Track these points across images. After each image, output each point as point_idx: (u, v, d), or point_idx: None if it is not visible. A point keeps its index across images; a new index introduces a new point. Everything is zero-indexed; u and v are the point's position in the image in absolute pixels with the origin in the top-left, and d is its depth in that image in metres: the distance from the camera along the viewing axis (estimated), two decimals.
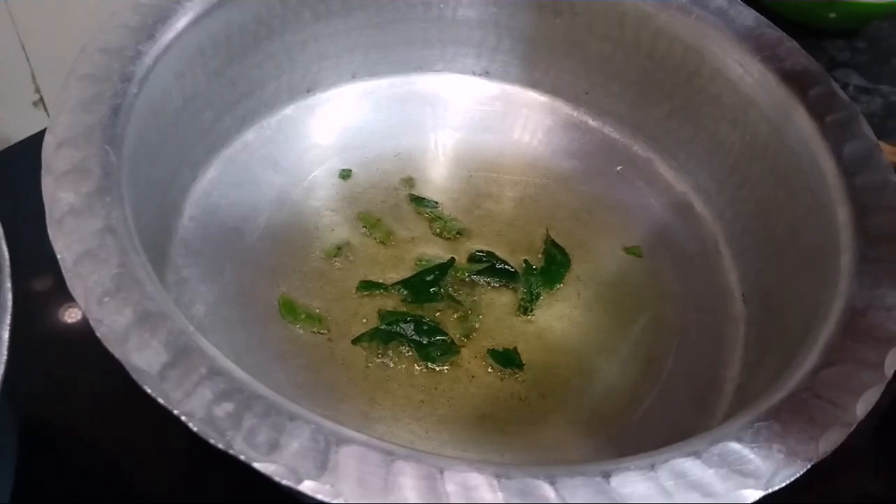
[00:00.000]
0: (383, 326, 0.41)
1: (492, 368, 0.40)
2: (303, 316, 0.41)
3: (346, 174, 0.47)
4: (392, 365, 0.40)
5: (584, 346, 0.42)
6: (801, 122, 0.40)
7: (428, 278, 0.43)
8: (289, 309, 0.41)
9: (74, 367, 0.42)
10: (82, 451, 0.41)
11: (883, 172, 0.37)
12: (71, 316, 0.44)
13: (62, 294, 0.44)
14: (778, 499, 0.40)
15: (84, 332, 0.43)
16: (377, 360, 0.40)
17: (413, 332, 0.40)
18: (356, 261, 0.44)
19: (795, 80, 0.41)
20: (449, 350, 0.40)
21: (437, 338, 0.40)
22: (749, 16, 0.44)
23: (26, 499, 0.36)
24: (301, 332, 0.40)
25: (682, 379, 0.41)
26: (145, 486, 0.39)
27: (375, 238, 0.45)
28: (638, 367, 0.41)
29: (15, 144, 0.56)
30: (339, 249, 0.44)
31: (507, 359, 0.41)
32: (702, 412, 0.39)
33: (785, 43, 0.43)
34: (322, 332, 0.40)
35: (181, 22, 0.38)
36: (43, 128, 0.57)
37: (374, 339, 0.40)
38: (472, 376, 0.40)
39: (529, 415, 0.39)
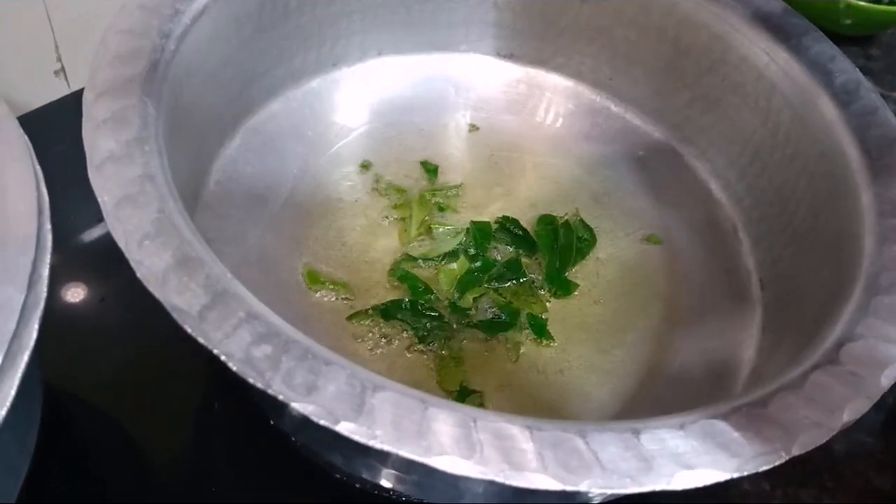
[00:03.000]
0: (381, 307, 0.41)
1: (510, 343, 0.41)
2: (328, 284, 0.41)
3: (366, 165, 0.48)
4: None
5: (601, 325, 0.42)
6: (826, 110, 0.40)
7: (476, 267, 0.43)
8: (313, 279, 0.41)
9: (94, 336, 0.43)
10: (99, 419, 0.41)
11: None
12: (91, 291, 0.45)
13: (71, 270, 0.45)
14: (787, 490, 0.41)
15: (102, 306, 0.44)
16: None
17: (410, 315, 0.41)
18: (378, 231, 0.44)
19: (821, 69, 0.41)
20: (442, 330, 0.41)
21: (433, 321, 0.41)
22: (776, 5, 0.45)
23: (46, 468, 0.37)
24: (323, 297, 0.41)
25: (697, 361, 0.41)
26: (155, 453, 0.40)
27: (397, 209, 0.45)
28: (654, 347, 0.42)
29: (33, 111, 0.56)
30: (360, 219, 0.44)
31: (541, 329, 0.41)
32: (717, 393, 0.39)
33: (811, 32, 0.43)
34: (347, 297, 0.41)
35: None
36: (61, 96, 0.58)
37: (371, 318, 0.40)
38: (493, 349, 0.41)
39: (547, 389, 0.40)
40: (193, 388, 0.43)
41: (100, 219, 0.46)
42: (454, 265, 0.43)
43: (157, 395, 0.42)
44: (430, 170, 0.48)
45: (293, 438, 0.40)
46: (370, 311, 0.40)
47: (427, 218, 0.45)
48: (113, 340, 0.43)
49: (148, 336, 0.43)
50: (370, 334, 0.40)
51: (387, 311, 0.40)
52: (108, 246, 0.46)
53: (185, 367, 0.43)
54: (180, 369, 0.43)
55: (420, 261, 0.43)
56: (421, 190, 0.47)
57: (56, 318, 0.43)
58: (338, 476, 0.40)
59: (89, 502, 0.38)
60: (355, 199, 0.45)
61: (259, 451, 0.41)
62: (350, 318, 0.40)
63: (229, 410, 0.42)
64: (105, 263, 0.46)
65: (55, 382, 0.40)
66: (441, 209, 0.46)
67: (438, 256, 0.43)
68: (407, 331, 0.40)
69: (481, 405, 0.39)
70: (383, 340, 0.40)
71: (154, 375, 0.43)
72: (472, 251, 0.44)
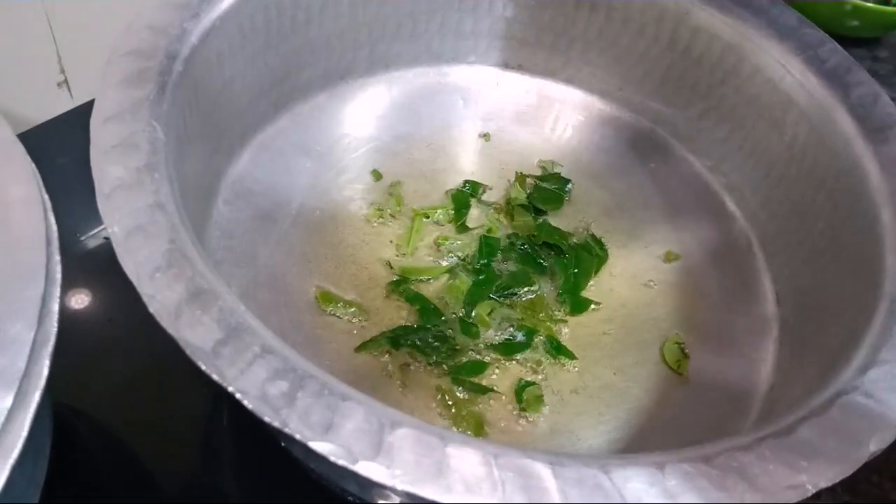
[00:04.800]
0: (389, 335, 0.40)
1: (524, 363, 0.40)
2: (340, 304, 0.40)
3: (377, 175, 0.47)
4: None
5: (616, 343, 0.42)
6: (844, 124, 0.40)
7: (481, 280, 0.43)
8: (327, 300, 0.41)
9: (102, 356, 0.43)
10: (109, 439, 0.41)
11: None
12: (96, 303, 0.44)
13: (75, 288, 0.44)
14: (802, 501, 0.40)
15: (109, 320, 0.44)
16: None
17: (419, 341, 0.40)
18: (387, 247, 0.44)
19: (838, 81, 0.41)
20: (453, 354, 0.40)
21: (443, 345, 0.40)
22: (791, 16, 0.44)
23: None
24: (334, 318, 0.40)
25: (714, 378, 0.41)
26: (164, 473, 0.40)
27: (406, 224, 0.45)
28: (672, 366, 0.41)
29: (37, 126, 0.56)
30: (370, 235, 0.44)
31: (559, 348, 0.41)
32: (734, 411, 0.39)
33: (827, 43, 0.43)
34: (360, 318, 0.40)
35: (225, 1, 0.38)
36: (66, 110, 0.57)
37: (380, 346, 0.40)
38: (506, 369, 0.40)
39: (563, 409, 0.39)
40: (202, 406, 0.42)
41: (104, 235, 0.45)
42: (457, 281, 0.42)
43: (165, 413, 0.42)
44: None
45: (303, 461, 0.40)
46: (379, 340, 0.39)
47: (431, 235, 0.45)
48: (120, 358, 0.43)
49: (155, 354, 0.43)
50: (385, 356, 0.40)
51: (395, 340, 0.39)
52: (113, 262, 0.46)
53: (192, 386, 0.42)
54: (188, 388, 0.42)
55: (423, 278, 0.43)
56: (423, 206, 0.46)
57: (61, 337, 0.42)
58: (350, 500, 0.39)
59: None
60: (364, 215, 0.45)
61: (269, 471, 0.40)
62: (359, 349, 0.39)
63: (239, 429, 0.41)
64: (110, 280, 0.45)
65: (64, 403, 0.40)
66: (447, 223, 0.46)
67: (441, 272, 0.43)
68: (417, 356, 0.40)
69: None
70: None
71: (162, 394, 0.42)
72: (475, 265, 0.43)
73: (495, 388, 0.39)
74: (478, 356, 0.40)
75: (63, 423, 0.38)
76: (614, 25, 0.49)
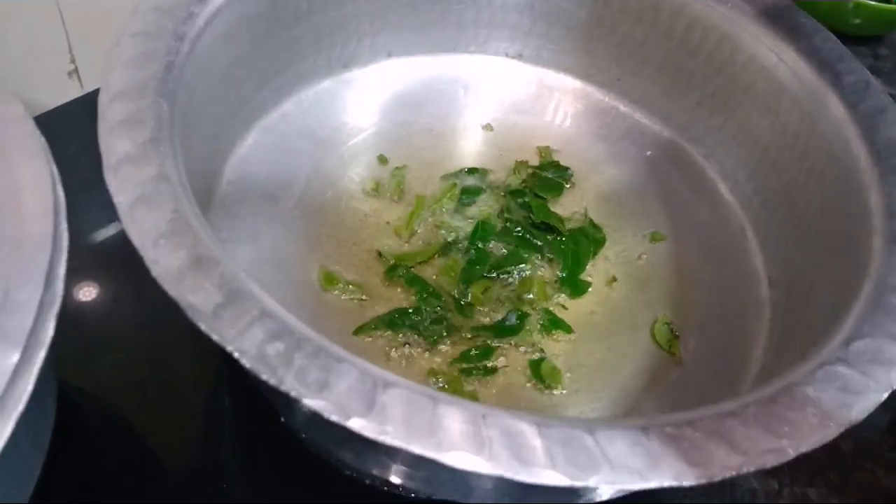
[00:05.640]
0: (386, 317, 0.41)
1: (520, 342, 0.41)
2: (342, 284, 0.41)
3: (383, 160, 0.48)
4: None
5: (611, 324, 0.43)
6: (835, 110, 0.41)
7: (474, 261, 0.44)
8: (329, 280, 0.42)
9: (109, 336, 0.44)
10: (112, 417, 0.42)
11: None
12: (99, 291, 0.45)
13: (84, 271, 0.45)
14: (795, 489, 0.41)
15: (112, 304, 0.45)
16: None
17: (416, 323, 0.41)
18: (388, 230, 0.45)
19: (830, 69, 0.42)
20: (451, 332, 0.41)
21: (439, 327, 0.41)
22: (784, 5, 0.45)
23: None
24: (334, 296, 0.41)
25: (706, 360, 0.42)
26: (167, 451, 0.41)
27: (407, 209, 0.46)
28: (663, 347, 0.42)
29: (45, 113, 0.57)
30: (371, 217, 0.45)
31: (557, 323, 0.42)
32: (727, 392, 0.39)
33: (820, 32, 0.44)
34: (361, 298, 0.41)
35: None
36: (75, 98, 0.58)
37: (377, 329, 0.40)
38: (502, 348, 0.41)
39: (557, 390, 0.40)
40: (204, 387, 0.43)
41: (113, 219, 0.47)
42: (451, 261, 0.43)
43: (168, 393, 0.42)
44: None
45: (303, 436, 0.41)
46: (376, 322, 0.40)
47: (431, 218, 0.45)
48: (125, 340, 0.44)
49: (160, 335, 0.44)
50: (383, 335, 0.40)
51: (392, 322, 0.40)
52: (122, 246, 0.46)
53: (196, 366, 0.43)
54: (191, 368, 0.43)
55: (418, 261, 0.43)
56: (423, 191, 0.47)
57: (69, 318, 0.43)
58: (348, 473, 0.40)
59: (102, 501, 0.39)
60: (366, 198, 0.46)
61: (270, 449, 0.41)
62: (356, 331, 0.40)
63: (240, 408, 0.42)
64: (119, 264, 0.47)
65: (69, 381, 0.41)
66: (446, 208, 0.46)
67: (433, 253, 0.44)
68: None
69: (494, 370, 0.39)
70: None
71: (166, 374, 0.43)
72: (467, 246, 0.44)
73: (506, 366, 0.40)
74: (476, 337, 0.41)
75: (67, 399, 0.39)
76: (612, 16, 0.49)
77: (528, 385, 0.40)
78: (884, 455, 0.44)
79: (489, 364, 0.40)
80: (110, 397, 0.42)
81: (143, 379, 0.43)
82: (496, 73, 0.53)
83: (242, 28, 0.41)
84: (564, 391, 0.39)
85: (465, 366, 0.39)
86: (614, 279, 0.45)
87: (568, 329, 0.41)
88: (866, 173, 0.38)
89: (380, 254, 0.43)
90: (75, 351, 0.42)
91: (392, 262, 0.43)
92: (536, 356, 0.40)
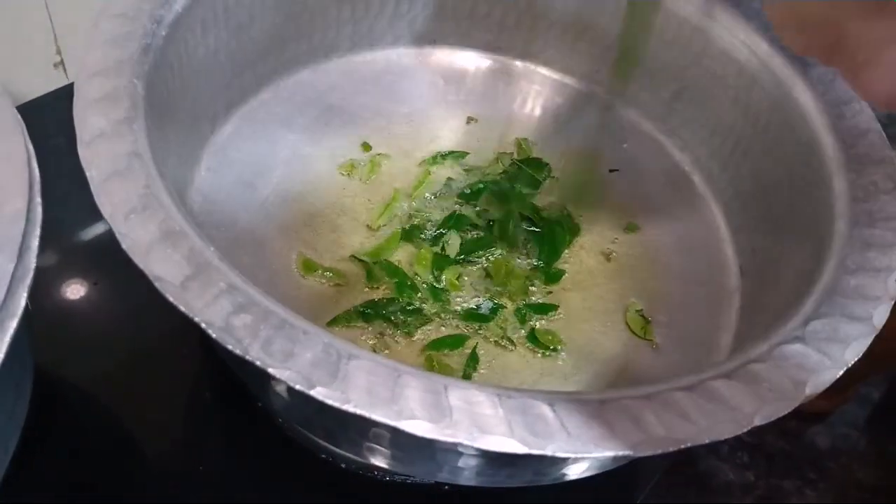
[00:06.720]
0: (360, 308, 0.41)
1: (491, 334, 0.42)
2: (320, 270, 0.42)
3: (366, 147, 0.49)
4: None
5: (585, 312, 0.43)
6: (802, 100, 0.41)
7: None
8: (308, 267, 0.42)
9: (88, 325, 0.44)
10: (89, 402, 0.42)
11: (880, 147, 0.38)
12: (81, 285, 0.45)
13: (65, 262, 0.46)
14: (770, 481, 0.42)
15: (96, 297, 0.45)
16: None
17: (390, 314, 0.41)
18: (364, 218, 0.45)
19: (800, 60, 0.42)
20: (424, 321, 0.41)
21: (413, 317, 0.41)
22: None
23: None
24: (311, 282, 0.42)
25: (677, 347, 0.42)
26: (145, 436, 0.41)
27: (384, 195, 0.46)
28: (636, 334, 0.43)
29: (31, 101, 0.57)
30: (348, 206, 0.45)
31: (544, 308, 0.43)
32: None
33: None
34: (339, 283, 0.42)
35: None
36: (60, 87, 0.59)
37: (352, 320, 0.41)
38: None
39: (531, 373, 0.40)
40: (184, 376, 0.44)
41: (94, 211, 0.47)
42: (423, 250, 0.44)
43: (147, 381, 0.43)
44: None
45: (280, 420, 0.41)
46: (350, 314, 0.41)
47: (407, 205, 0.46)
48: (105, 329, 0.45)
49: (139, 325, 0.44)
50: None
51: (366, 314, 0.41)
52: (102, 237, 0.47)
53: (175, 356, 0.44)
54: (171, 357, 0.44)
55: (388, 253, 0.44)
56: (401, 180, 0.48)
57: (49, 309, 0.44)
58: (324, 457, 0.41)
59: (78, 482, 0.39)
60: (343, 187, 0.46)
61: (248, 436, 0.42)
62: (331, 322, 0.40)
63: (219, 397, 0.43)
64: (98, 255, 0.47)
65: (47, 368, 0.41)
66: (422, 198, 0.47)
67: (397, 241, 0.44)
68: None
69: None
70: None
71: (145, 363, 0.43)
72: (433, 233, 0.45)
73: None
74: (449, 322, 0.41)
75: (45, 381, 0.40)
76: (590, 10, 0.50)
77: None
78: (859, 450, 0.45)
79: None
80: (88, 384, 0.43)
81: (122, 368, 0.43)
82: (476, 65, 0.54)
83: (221, 15, 0.42)
84: (541, 375, 0.40)
85: (433, 353, 0.40)
86: (589, 268, 0.45)
87: (553, 307, 0.43)
88: (832, 160, 0.39)
89: (355, 258, 0.43)
90: (55, 340, 0.43)
91: (370, 264, 0.43)
92: (512, 344, 0.41)
